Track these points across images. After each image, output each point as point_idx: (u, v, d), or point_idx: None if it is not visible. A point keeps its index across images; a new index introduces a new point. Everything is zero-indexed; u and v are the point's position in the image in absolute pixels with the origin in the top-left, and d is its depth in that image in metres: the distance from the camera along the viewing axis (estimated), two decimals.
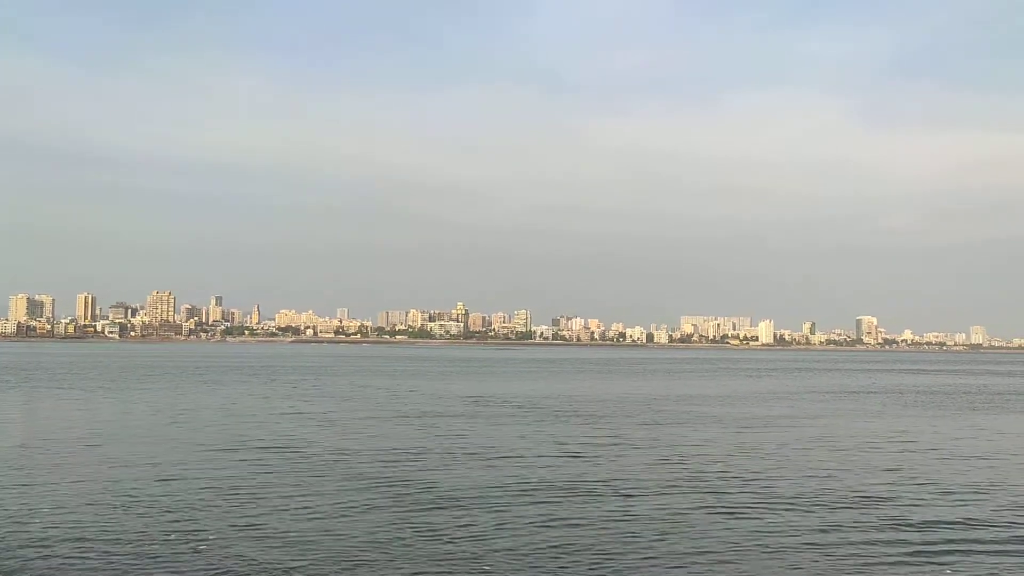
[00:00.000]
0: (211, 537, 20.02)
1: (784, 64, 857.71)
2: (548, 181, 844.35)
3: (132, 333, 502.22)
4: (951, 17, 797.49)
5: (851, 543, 20.36)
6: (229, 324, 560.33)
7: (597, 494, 26.18)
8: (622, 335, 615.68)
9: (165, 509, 23.11)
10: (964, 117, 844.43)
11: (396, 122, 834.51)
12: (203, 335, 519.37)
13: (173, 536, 20.10)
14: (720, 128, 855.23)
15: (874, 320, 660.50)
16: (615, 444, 38.62)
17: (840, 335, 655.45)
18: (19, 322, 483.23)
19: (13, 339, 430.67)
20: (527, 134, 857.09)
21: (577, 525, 21.87)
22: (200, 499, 24.50)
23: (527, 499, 25.23)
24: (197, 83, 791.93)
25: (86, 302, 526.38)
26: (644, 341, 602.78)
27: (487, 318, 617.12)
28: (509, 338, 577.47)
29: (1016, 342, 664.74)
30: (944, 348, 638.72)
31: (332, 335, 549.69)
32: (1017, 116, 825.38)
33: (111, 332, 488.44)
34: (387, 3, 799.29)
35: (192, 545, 19.33)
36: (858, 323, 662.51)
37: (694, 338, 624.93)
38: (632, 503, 24.96)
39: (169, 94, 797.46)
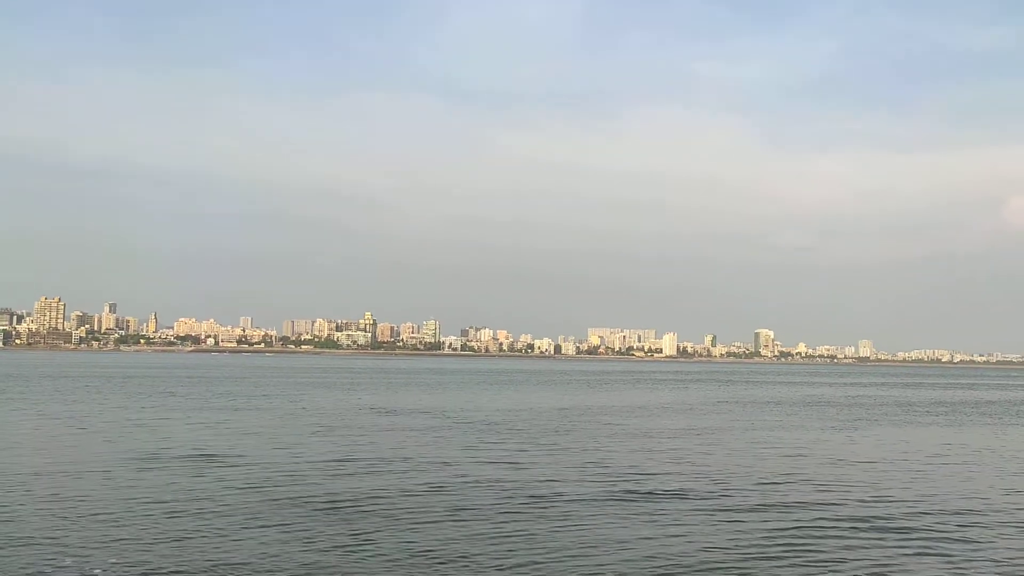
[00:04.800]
0: (111, 560, 18.97)
1: (685, 83, 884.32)
2: (452, 191, 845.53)
3: (17, 341, 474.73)
4: (843, 44, 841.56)
5: (750, 537, 21.01)
6: (124, 332, 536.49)
7: (517, 503, 26.12)
8: (530, 346, 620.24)
9: (53, 531, 21.77)
10: (856, 139, 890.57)
11: (297, 129, 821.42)
12: (95, 344, 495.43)
13: (68, 561, 18.95)
14: (621, 143, 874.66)
15: (771, 333, 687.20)
16: (532, 454, 38.67)
17: (739, 348, 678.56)
18: None
19: None
20: (430, 143, 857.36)
21: (496, 534, 21.75)
22: (95, 518, 23.19)
23: (451, 510, 24.95)
24: (90, 82, 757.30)
25: None
26: (552, 352, 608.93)
27: (395, 328, 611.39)
28: (418, 348, 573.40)
29: (900, 355, 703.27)
30: (835, 360, 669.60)
31: (234, 345, 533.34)
32: (905, 138, 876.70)
33: None
34: (292, 10, 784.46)
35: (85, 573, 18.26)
36: (756, 336, 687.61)
37: (601, 350, 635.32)
38: (551, 510, 24.99)
39: (61, 93, 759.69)
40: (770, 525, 24.41)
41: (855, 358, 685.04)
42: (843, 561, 20.56)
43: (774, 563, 20.21)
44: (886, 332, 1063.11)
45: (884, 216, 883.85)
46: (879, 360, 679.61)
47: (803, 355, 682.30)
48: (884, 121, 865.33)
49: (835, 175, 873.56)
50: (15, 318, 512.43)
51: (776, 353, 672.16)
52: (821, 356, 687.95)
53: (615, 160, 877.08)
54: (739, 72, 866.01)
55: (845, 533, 23.74)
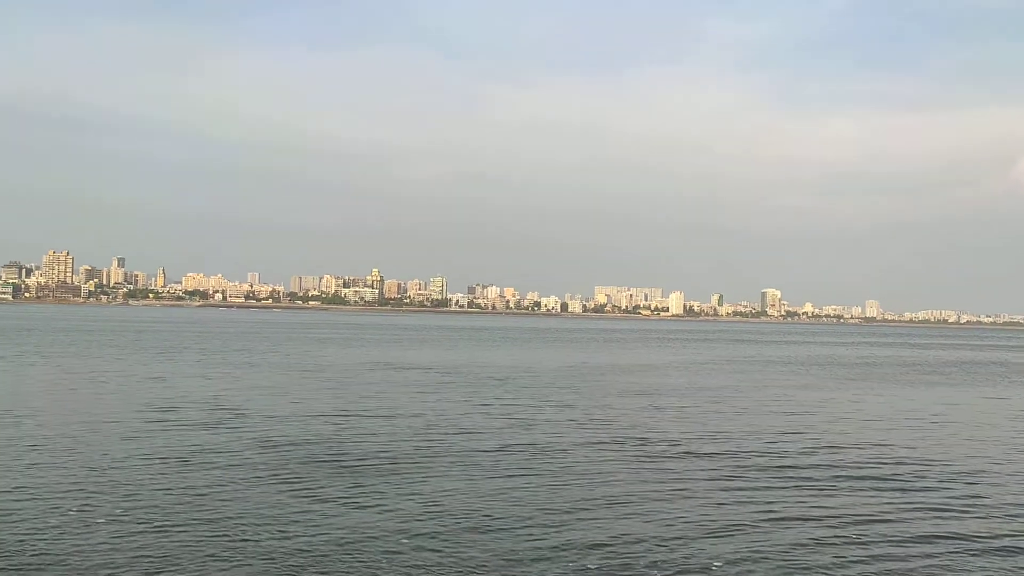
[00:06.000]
0: (117, 509, 19.03)
1: (693, 41, 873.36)
2: (458, 149, 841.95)
3: (27, 294, 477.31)
4: (851, 1, 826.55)
5: (756, 492, 21.02)
6: (132, 287, 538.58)
7: (524, 458, 26.17)
8: (537, 304, 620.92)
9: (63, 480, 21.87)
10: (865, 98, 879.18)
11: (300, 85, 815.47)
12: (103, 298, 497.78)
13: (73, 510, 19.02)
14: (628, 102, 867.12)
15: (778, 293, 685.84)
16: (540, 410, 38.72)
17: (746, 307, 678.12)
18: None
19: None
20: (435, 100, 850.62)
21: (504, 488, 21.76)
22: (105, 469, 23.28)
23: (459, 464, 25.00)
24: (95, 35, 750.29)
25: None
26: (559, 310, 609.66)
27: (403, 285, 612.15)
28: (425, 305, 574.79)
29: (907, 316, 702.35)
30: (841, 320, 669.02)
31: (242, 300, 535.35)
32: (914, 97, 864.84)
33: (3, 293, 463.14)
34: None
35: (88, 522, 18.34)
36: (763, 296, 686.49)
37: (607, 308, 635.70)
38: (559, 466, 25.01)
39: (67, 44, 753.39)
40: (775, 480, 24.42)
41: (862, 318, 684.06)
42: (846, 514, 20.51)
43: (778, 516, 20.17)
44: (893, 292, 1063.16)
45: (892, 176, 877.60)
46: (885, 320, 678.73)
47: (810, 315, 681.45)
48: (893, 79, 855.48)
49: (843, 134, 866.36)
50: (24, 271, 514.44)
51: (783, 313, 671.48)
52: (828, 316, 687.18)
53: (622, 120, 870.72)
54: (747, 30, 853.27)
55: (850, 488, 23.79)
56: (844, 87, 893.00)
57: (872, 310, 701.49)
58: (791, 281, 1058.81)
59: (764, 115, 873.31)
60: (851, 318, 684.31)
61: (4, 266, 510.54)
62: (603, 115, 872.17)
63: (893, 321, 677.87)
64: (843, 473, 26.02)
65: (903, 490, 23.94)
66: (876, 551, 17.88)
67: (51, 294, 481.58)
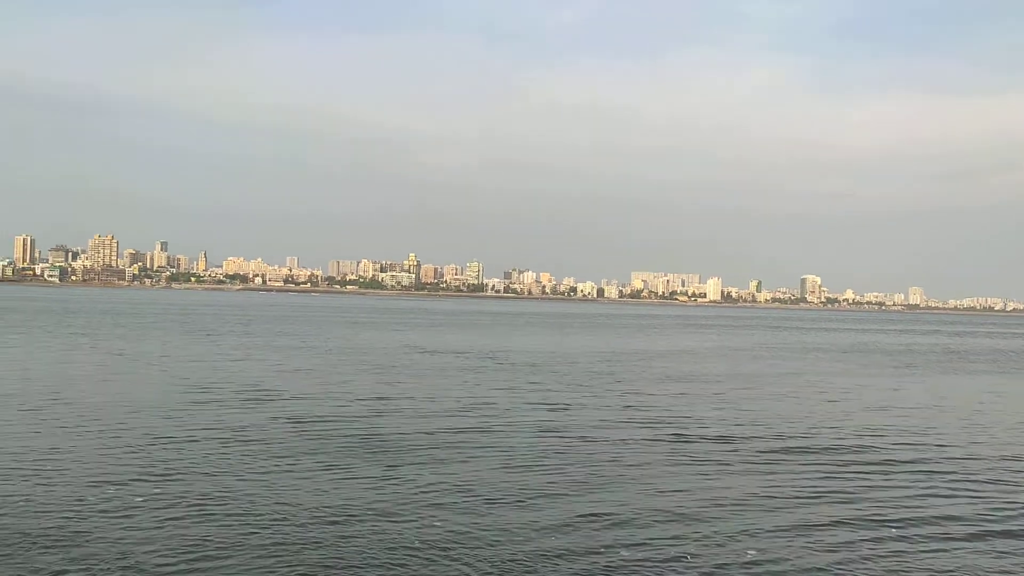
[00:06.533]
0: (155, 490, 19.36)
1: (727, 22, 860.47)
2: (491, 135, 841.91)
3: (73, 277, 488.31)
4: None
5: (794, 480, 20.78)
6: (175, 270, 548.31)
7: (560, 444, 26.10)
8: (573, 289, 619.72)
9: (103, 461, 22.31)
10: (907, 80, 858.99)
11: (329, 68, 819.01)
12: (147, 281, 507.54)
13: (111, 490, 19.37)
14: (661, 86, 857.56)
15: (818, 280, 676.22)
16: (576, 396, 38.62)
17: (785, 294, 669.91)
18: None
19: None
20: (466, 86, 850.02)
21: (539, 472, 21.73)
22: (146, 450, 23.69)
23: (494, 449, 25.02)
24: (127, 23, 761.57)
25: (24, 244, 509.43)
26: (595, 296, 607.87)
27: (439, 270, 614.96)
28: (461, 290, 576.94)
29: (951, 303, 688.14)
30: (883, 308, 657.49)
31: (281, 284, 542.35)
32: (959, 81, 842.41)
33: (51, 276, 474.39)
34: None
35: (128, 503, 18.67)
36: (802, 282, 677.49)
37: (644, 293, 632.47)
38: (595, 451, 24.91)
39: (99, 34, 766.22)
40: (813, 468, 24.03)
41: (904, 305, 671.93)
42: (887, 497, 20.15)
43: (814, 503, 19.88)
44: (937, 279, 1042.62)
45: (936, 160, 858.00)
46: (929, 307, 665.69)
47: (850, 302, 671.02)
48: (936, 62, 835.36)
49: (885, 117, 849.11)
50: (70, 255, 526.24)
51: (823, 300, 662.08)
52: (869, 303, 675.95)
53: (658, 104, 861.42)
54: (783, 11, 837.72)
55: (892, 473, 23.44)
56: (885, 69, 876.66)
57: (915, 297, 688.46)
58: (831, 267, 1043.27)
59: (803, 97, 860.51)
60: (893, 305, 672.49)
61: (51, 249, 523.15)
62: (638, 99, 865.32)
63: (937, 308, 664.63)
64: (885, 458, 25.62)
65: (945, 473, 23.74)
66: (915, 532, 17.72)
67: (96, 277, 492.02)
